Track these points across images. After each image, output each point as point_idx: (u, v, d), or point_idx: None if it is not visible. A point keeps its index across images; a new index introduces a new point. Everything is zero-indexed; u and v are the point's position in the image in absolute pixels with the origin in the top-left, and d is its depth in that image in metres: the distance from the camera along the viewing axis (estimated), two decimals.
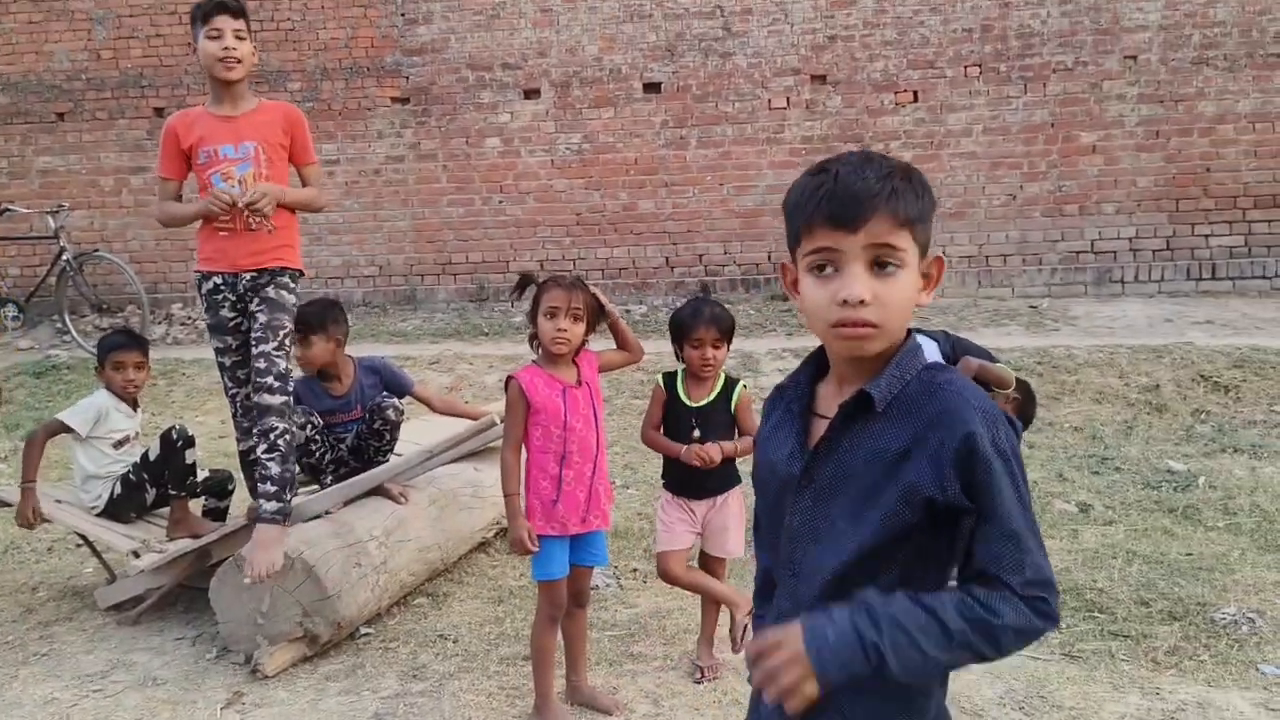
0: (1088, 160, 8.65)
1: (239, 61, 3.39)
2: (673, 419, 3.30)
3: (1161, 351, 6.79)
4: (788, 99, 8.82)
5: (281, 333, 3.48)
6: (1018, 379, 4.35)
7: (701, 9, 8.82)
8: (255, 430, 3.48)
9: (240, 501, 4.33)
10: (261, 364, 3.43)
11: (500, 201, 9.27)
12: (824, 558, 1.34)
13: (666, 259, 9.16)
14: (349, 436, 4.06)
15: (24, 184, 9.60)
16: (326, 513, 3.71)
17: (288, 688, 3.26)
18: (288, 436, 3.46)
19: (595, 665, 3.31)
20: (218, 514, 4.34)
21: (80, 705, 3.20)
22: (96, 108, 9.51)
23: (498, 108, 9.15)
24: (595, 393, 3.04)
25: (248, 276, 3.46)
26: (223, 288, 3.48)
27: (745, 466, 3.88)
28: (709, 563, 3.33)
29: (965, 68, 8.61)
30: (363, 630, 3.63)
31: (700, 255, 9.11)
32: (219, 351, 3.59)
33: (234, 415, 3.73)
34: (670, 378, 3.34)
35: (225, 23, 3.35)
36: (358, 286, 9.48)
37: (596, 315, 3.02)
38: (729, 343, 3.29)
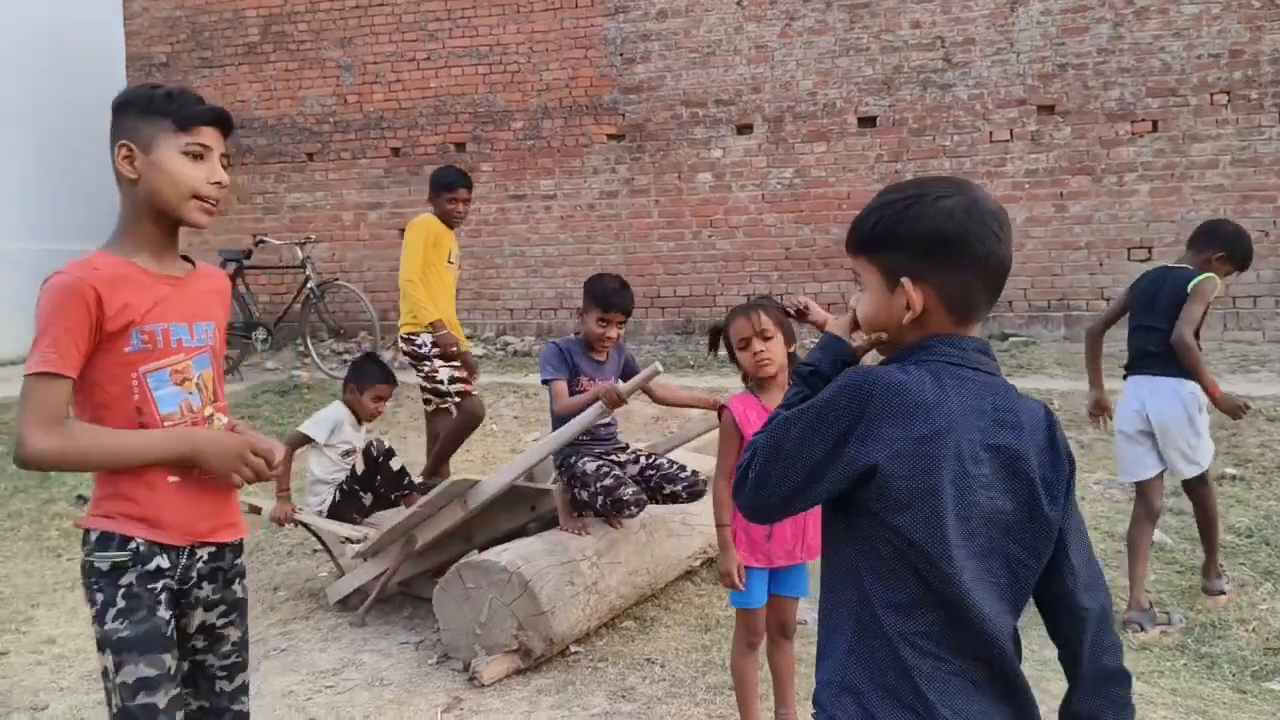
0: None
1: (218, 201, 2.04)
2: None
3: None
4: (1011, 131, 8.48)
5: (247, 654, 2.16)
6: None
7: (921, 41, 8.64)
8: None
9: None
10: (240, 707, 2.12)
11: (710, 236, 9.35)
12: None
13: None
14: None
15: (276, 218, 10.49)
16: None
17: (502, 698, 3.35)
18: None
19: (804, 700, 3.22)
20: None
21: (314, 699, 3.39)
22: (341, 148, 10.29)
23: (710, 143, 9.26)
24: None
25: (204, 554, 2.03)
26: (166, 572, 1.96)
27: None
28: None
29: (1211, 95, 8.02)
30: (573, 648, 3.69)
31: None
32: (146, 684, 1.89)
33: None
34: None
35: (216, 141, 2.02)
36: (570, 317, 9.77)
37: (790, 328, 2.99)
38: None
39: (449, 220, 5.25)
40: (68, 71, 10.95)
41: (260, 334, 9.27)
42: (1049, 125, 8.40)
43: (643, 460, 3.93)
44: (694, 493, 3.82)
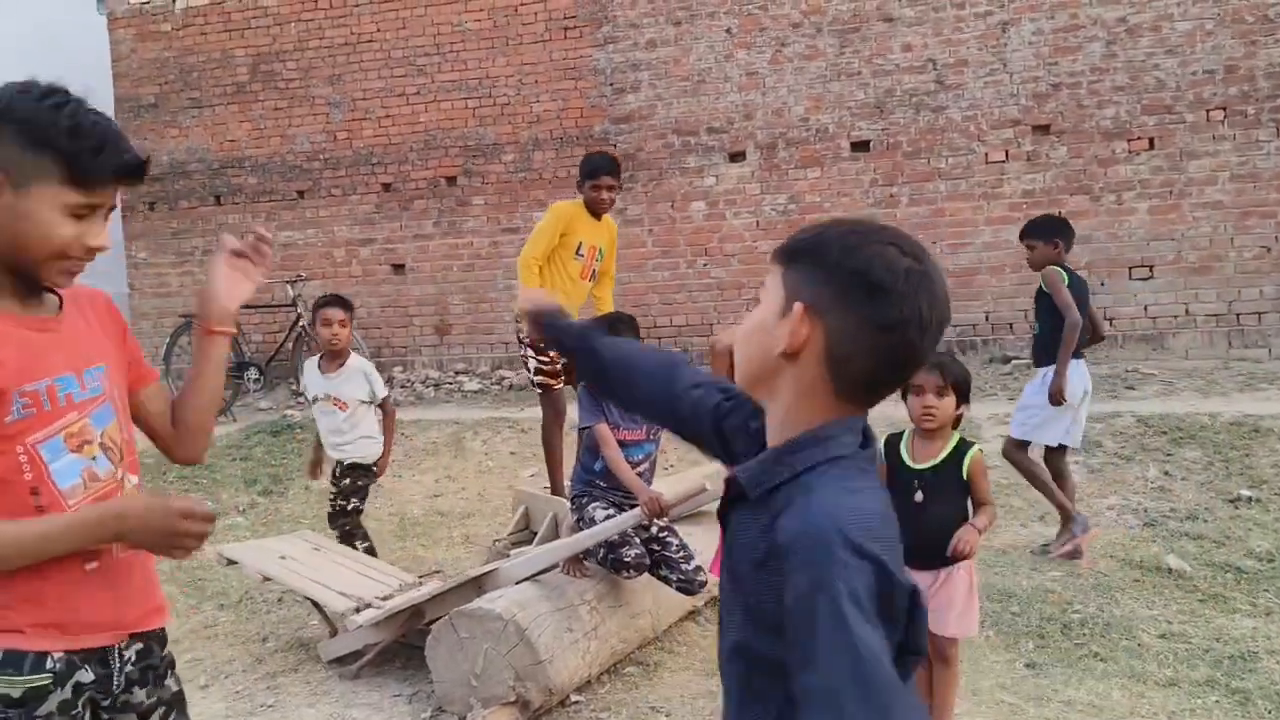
0: None
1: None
2: (895, 483, 3.07)
3: None
4: (1006, 151, 8.40)
5: None
6: None
7: (912, 64, 8.58)
8: None
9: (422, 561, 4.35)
10: None
11: (705, 265, 9.24)
12: (724, 634, 1.29)
13: None
14: (643, 464, 3.82)
15: None
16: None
17: None
18: None
19: None
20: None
21: None
22: (332, 185, 10.21)
23: (703, 171, 9.18)
24: None
25: (133, 653, 1.66)
26: (89, 686, 1.58)
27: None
28: (933, 642, 2.99)
29: (1208, 111, 7.95)
30: (574, 698, 3.53)
31: None
32: None
33: None
34: (894, 440, 3.13)
35: (112, 195, 1.57)
36: None
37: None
38: (960, 397, 3.04)
39: (594, 208, 5.11)
40: None
41: (253, 374, 9.15)
42: (1044, 145, 8.32)
43: (654, 528, 3.76)
44: (685, 589, 3.71)
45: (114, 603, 1.60)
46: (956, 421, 3.07)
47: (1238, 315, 8.01)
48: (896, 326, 1.19)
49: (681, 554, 3.73)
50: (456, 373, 9.77)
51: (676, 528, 3.94)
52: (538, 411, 8.24)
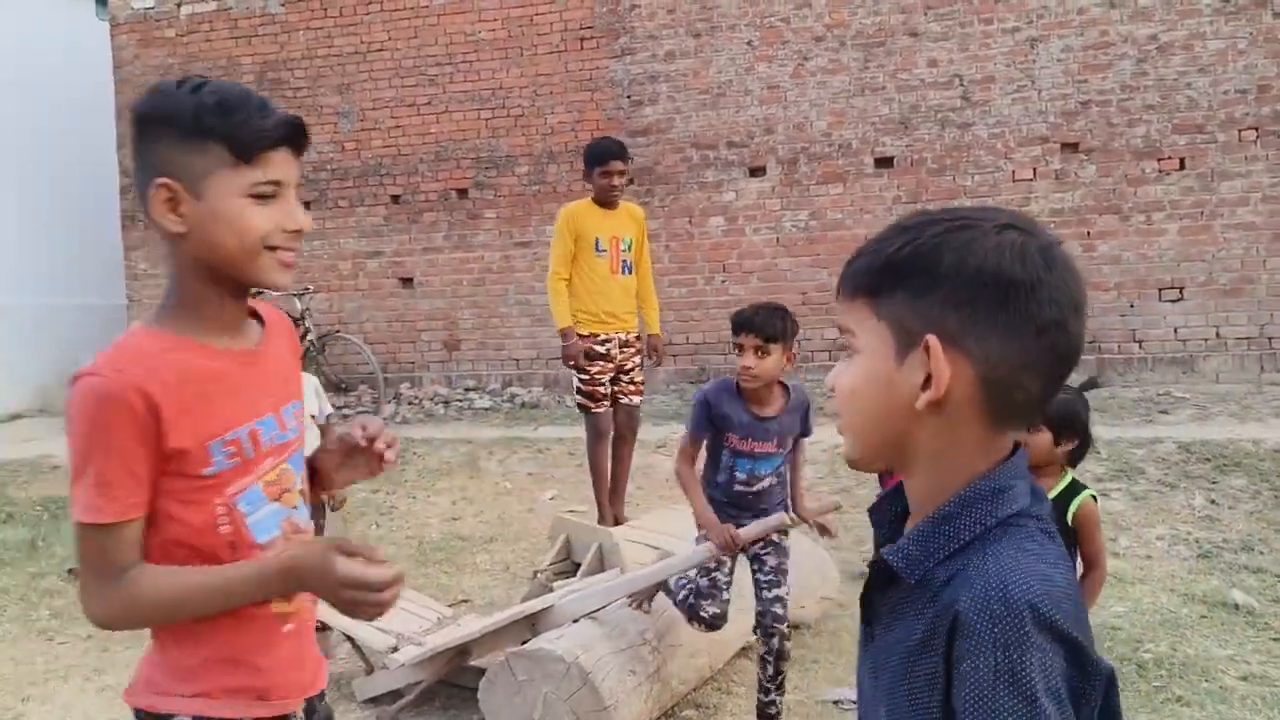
0: None
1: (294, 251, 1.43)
2: None
3: None
4: (1034, 170, 8.25)
5: None
6: None
7: (938, 79, 8.43)
8: None
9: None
10: None
11: (723, 281, 9.05)
12: None
13: None
14: (768, 480, 3.35)
15: None
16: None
17: None
18: None
19: None
20: None
21: None
22: (339, 196, 9.98)
23: (722, 186, 9.00)
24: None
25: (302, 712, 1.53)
26: None
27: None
28: None
29: (1240, 131, 7.82)
30: None
31: None
32: None
33: None
34: None
35: (289, 168, 1.38)
36: None
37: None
38: (1057, 432, 2.76)
39: (605, 197, 4.83)
40: (61, 117, 10.63)
41: None
42: (1073, 163, 8.18)
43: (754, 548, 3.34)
44: (769, 632, 3.23)
45: (301, 663, 1.46)
46: (1072, 459, 2.79)
47: (1269, 339, 7.86)
48: (1056, 324, 0.96)
49: (772, 593, 3.29)
50: (466, 389, 9.52)
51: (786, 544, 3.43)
52: (553, 430, 8.07)
